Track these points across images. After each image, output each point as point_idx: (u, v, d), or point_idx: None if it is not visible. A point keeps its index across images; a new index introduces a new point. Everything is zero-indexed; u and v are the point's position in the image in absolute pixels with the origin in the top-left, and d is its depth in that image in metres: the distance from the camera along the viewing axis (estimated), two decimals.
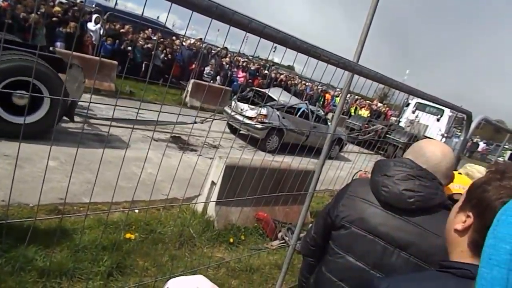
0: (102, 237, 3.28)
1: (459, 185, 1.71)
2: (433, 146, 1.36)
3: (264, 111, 8.77)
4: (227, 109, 9.88)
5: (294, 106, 9.46)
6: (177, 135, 7.87)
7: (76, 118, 5.98)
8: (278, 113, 8.92)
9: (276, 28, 1.09)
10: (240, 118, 8.96)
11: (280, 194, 3.92)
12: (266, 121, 8.69)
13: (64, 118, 5.80)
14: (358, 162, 4.27)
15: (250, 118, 8.81)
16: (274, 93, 9.36)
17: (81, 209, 3.92)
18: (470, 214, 0.87)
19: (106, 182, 4.37)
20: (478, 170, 2.06)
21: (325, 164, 2.80)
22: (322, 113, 10.78)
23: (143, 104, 9.08)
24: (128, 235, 3.48)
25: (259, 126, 8.61)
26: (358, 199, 1.40)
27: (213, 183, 4.32)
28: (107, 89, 9.99)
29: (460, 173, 1.92)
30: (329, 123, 10.35)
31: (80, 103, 6.76)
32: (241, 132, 8.95)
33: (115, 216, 3.83)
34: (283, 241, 4.40)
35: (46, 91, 5.05)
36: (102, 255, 3.06)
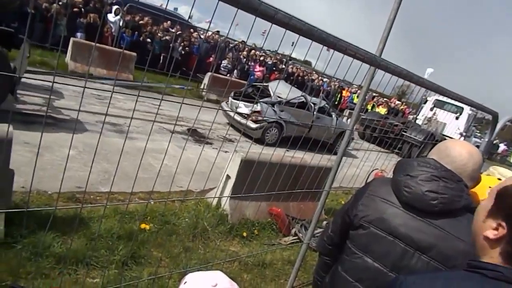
0: (118, 226, 3.32)
1: None
2: (459, 146, 1.30)
3: (258, 107, 8.42)
4: (224, 105, 9.43)
5: (292, 100, 8.97)
6: (193, 128, 7.91)
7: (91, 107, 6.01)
8: (274, 108, 8.58)
9: (302, 19, 1.06)
10: (237, 116, 8.64)
11: (295, 191, 3.88)
12: (260, 118, 8.32)
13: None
14: (374, 161, 4.20)
15: (244, 115, 8.48)
16: (273, 86, 9.02)
17: (98, 198, 3.98)
18: (503, 224, 0.82)
19: (123, 172, 4.42)
20: (500, 173, 1.97)
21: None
22: (324, 104, 10.30)
23: (159, 96, 9.16)
24: (143, 226, 3.51)
25: (253, 125, 8.35)
26: (379, 199, 1.36)
27: (228, 177, 4.32)
28: (126, 80, 10.09)
29: (499, 178, 1.85)
30: (333, 115, 10.10)
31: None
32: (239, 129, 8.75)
33: (131, 206, 3.87)
34: (296, 237, 4.37)
35: None
36: (117, 244, 3.10)
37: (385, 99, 22.90)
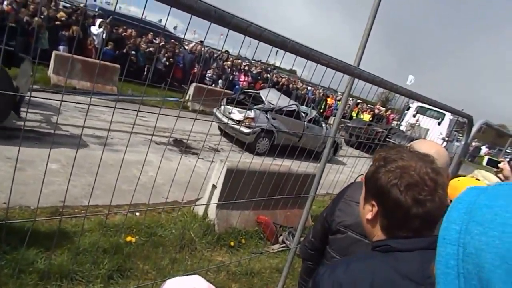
0: (102, 240, 3.28)
1: None
2: (427, 146, 1.35)
3: (251, 113, 8.45)
4: (216, 111, 9.45)
5: (284, 108, 9.05)
6: (178, 138, 7.89)
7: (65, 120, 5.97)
8: (267, 115, 8.62)
9: (275, 32, 1.10)
10: (227, 121, 8.65)
11: (280, 197, 3.92)
12: (254, 124, 8.37)
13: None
14: (359, 166, 4.27)
15: (237, 121, 8.50)
16: (265, 94, 9.08)
17: (82, 211, 3.93)
18: (374, 202, 0.98)
19: (107, 185, 4.38)
20: (483, 176, 2.04)
21: (325, 168, 2.80)
22: (315, 113, 10.45)
23: (145, 107, 9.11)
24: (128, 238, 3.48)
25: (246, 130, 8.35)
26: (354, 204, 1.40)
27: (214, 186, 4.32)
28: (110, 92, 10.03)
29: (477, 179, 1.92)
30: (323, 125, 10.23)
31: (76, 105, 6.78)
32: (230, 135, 8.75)
33: (116, 219, 3.84)
34: (284, 244, 4.39)
35: None
36: (102, 258, 3.06)
37: (369, 105, 23.26)
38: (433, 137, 15.18)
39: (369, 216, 0.99)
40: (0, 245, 2.76)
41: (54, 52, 9.59)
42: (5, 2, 10.27)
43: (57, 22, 10.94)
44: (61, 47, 10.70)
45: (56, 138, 5.75)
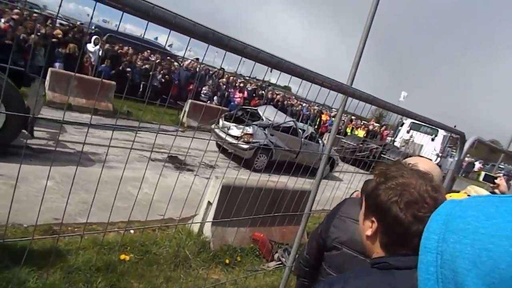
0: (96, 258, 3.24)
1: None
2: (421, 163, 1.39)
3: (250, 130, 8.51)
4: (214, 127, 9.51)
5: (282, 125, 9.09)
6: (174, 155, 7.88)
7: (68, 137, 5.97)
8: (265, 131, 8.68)
9: (270, 53, 1.14)
10: (225, 136, 8.71)
11: (276, 214, 3.91)
12: (252, 140, 8.42)
13: (27, 134, 5.57)
14: (355, 182, 4.28)
15: (236, 137, 8.56)
16: (263, 110, 9.16)
17: (76, 229, 3.88)
18: (374, 219, 0.98)
19: (102, 202, 4.35)
20: (476, 191, 2.06)
21: (321, 184, 2.82)
22: (312, 130, 10.54)
23: (141, 124, 9.14)
24: (123, 256, 3.44)
25: (244, 146, 8.39)
26: (349, 220, 1.41)
27: (209, 203, 4.31)
28: (105, 109, 10.04)
29: (469, 195, 1.94)
30: (320, 141, 10.31)
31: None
32: (228, 151, 8.79)
33: (110, 237, 3.80)
34: (280, 262, 4.35)
35: (2, 106, 4.78)
36: (96, 276, 3.02)
37: (363, 122, 23.44)
38: (427, 153, 15.32)
39: (368, 232, 0.99)
40: None
41: (50, 69, 9.63)
42: (2, 20, 10.36)
43: (54, 40, 11.03)
44: (57, 64, 10.76)
45: (49, 154, 5.73)
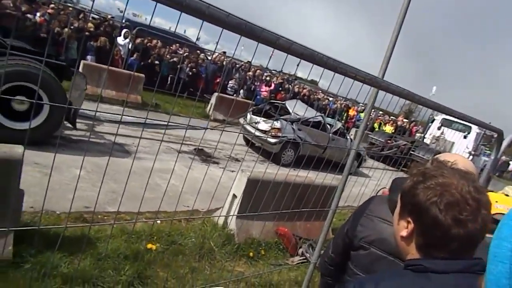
0: (124, 246, 3.33)
1: (504, 205, 1.66)
2: (460, 162, 1.32)
3: (278, 124, 8.49)
4: (242, 121, 9.52)
5: (310, 120, 9.06)
6: (200, 147, 7.97)
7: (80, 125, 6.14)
8: (293, 126, 8.64)
9: (303, 44, 1.11)
10: (253, 130, 8.68)
11: (302, 210, 3.87)
12: (280, 134, 8.39)
13: (67, 125, 5.94)
14: (383, 179, 4.19)
15: (264, 131, 8.54)
16: (291, 105, 9.11)
17: (105, 218, 4.00)
18: (410, 219, 0.94)
19: (130, 192, 4.44)
20: None
21: (348, 181, 2.76)
22: (340, 125, 10.36)
23: (167, 116, 9.27)
24: (149, 246, 3.52)
25: (272, 140, 8.36)
26: (377, 219, 1.37)
27: (234, 196, 4.33)
28: (134, 101, 10.26)
29: (507, 195, 1.89)
30: (348, 137, 10.13)
31: (108, 115, 6.96)
32: (256, 145, 8.79)
33: (137, 226, 3.89)
34: (304, 257, 4.32)
35: (46, 97, 5.05)
36: (124, 264, 3.10)
37: (392, 117, 22.88)
38: (458, 151, 14.76)
39: (404, 233, 0.95)
40: (27, 250, 2.84)
41: (82, 62, 9.92)
42: (38, 14, 10.73)
43: (86, 33, 11.34)
44: (89, 57, 11.07)
45: (81, 144, 5.92)
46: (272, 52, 1.13)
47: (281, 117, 8.65)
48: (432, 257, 0.89)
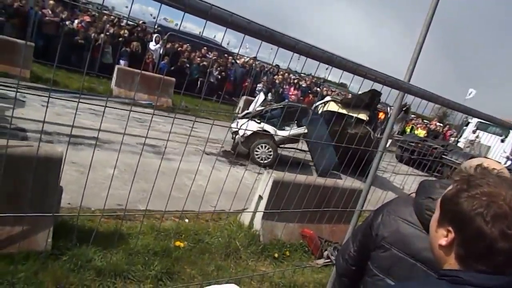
0: (154, 243, 3.47)
1: None
2: (505, 170, 1.25)
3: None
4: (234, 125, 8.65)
5: (277, 108, 8.22)
6: (227, 150, 8.10)
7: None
8: (256, 119, 7.86)
9: (322, 48, 1.15)
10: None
11: (326, 209, 3.89)
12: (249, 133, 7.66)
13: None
14: (410, 183, 4.12)
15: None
16: (258, 100, 8.55)
17: (136, 215, 4.17)
18: (450, 228, 0.89)
19: (159, 191, 4.60)
20: None
21: (374, 184, 2.76)
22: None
23: (197, 119, 9.45)
24: (177, 243, 3.64)
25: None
26: (400, 220, 1.36)
27: (260, 197, 4.39)
28: (165, 104, 10.57)
29: None
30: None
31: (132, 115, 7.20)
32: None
33: (166, 224, 4.03)
34: (329, 260, 4.32)
35: None
36: (153, 260, 3.24)
37: (425, 121, 22.24)
38: (495, 155, 14.12)
39: (443, 242, 0.90)
40: (64, 243, 3.03)
41: (116, 66, 10.34)
42: (76, 21, 11.29)
43: (120, 39, 11.80)
44: (122, 61, 11.51)
45: (114, 145, 6.18)
46: (292, 56, 1.19)
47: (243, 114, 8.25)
48: (472, 270, 0.85)
